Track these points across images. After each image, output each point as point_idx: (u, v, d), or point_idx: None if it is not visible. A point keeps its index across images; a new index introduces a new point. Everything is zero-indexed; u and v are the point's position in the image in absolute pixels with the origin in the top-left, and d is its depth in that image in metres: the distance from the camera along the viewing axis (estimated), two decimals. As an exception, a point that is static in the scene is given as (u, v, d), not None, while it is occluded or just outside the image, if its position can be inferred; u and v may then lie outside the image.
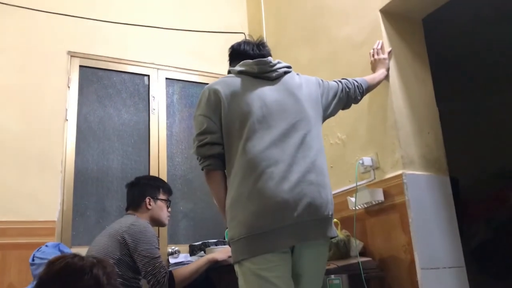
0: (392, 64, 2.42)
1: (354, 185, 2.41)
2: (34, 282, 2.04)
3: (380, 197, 2.30)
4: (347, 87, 2.08)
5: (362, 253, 2.33)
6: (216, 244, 2.77)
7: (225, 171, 1.74)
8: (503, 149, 4.50)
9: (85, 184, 2.99)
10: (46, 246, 2.30)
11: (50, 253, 2.16)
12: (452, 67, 4.19)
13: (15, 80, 2.93)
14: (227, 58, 1.99)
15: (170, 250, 3.00)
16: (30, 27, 3.06)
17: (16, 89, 2.92)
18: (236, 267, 1.66)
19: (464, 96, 4.73)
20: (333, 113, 2.02)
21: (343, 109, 2.11)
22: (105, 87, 3.25)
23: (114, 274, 1.45)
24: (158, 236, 2.81)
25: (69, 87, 3.08)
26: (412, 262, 2.13)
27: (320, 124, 1.86)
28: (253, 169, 1.62)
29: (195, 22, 3.64)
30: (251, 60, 1.83)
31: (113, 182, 3.07)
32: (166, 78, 3.46)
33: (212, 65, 3.56)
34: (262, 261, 1.58)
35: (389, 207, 2.28)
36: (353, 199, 2.38)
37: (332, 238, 1.75)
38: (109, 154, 3.12)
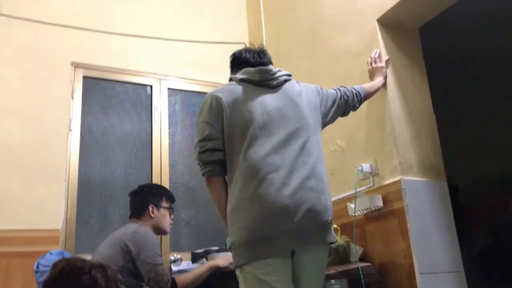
0: (389, 72, 2.46)
1: (354, 191, 2.44)
2: (39, 289, 2.08)
3: (379, 203, 2.33)
4: (346, 94, 2.12)
5: (362, 259, 2.35)
6: (218, 251, 2.80)
7: (226, 177, 1.77)
8: (503, 155, 4.52)
9: (88, 192, 3.03)
10: (51, 253, 2.33)
11: (54, 261, 2.19)
12: (450, 74, 4.24)
13: (20, 91, 2.98)
14: (228, 67, 2.02)
15: (172, 257, 3.01)
16: (34, 38, 3.12)
17: (20, 100, 2.97)
18: (237, 272, 1.68)
19: (463, 103, 4.77)
20: (332, 120, 2.05)
21: (341, 116, 2.14)
22: (108, 98, 3.30)
23: (114, 278, 1.47)
24: (161, 244, 2.84)
25: (73, 97, 3.13)
26: (411, 267, 2.15)
27: (319, 131, 1.89)
28: (254, 175, 1.65)
29: (196, 33, 3.70)
30: (252, 68, 1.86)
31: (116, 190, 3.11)
32: (168, 88, 3.51)
33: (213, 74, 3.60)
34: (262, 266, 1.60)
35: (388, 213, 2.31)
36: (352, 206, 2.41)
37: (331, 243, 1.77)
38: (112, 163, 3.16)
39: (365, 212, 2.41)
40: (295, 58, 3.23)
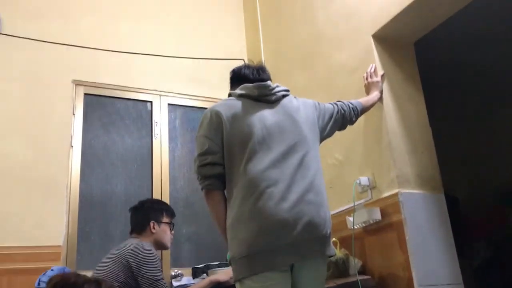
0: (385, 86, 2.50)
1: (352, 204, 2.46)
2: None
3: (377, 216, 2.35)
4: (343, 109, 2.15)
5: (361, 272, 2.37)
6: (218, 266, 2.81)
7: (225, 191, 1.79)
8: (502, 167, 4.55)
9: (89, 208, 3.05)
10: (52, 270, 2.35)
11: (55, 277, 2.21)
12: (445, 87, 4.29)
13: (22, 108, 3.02)
14: (227, 83, 2.05)
15: (173, 273, 3.02)
16: (36, 57, 3.17)
17: (23, 117, 3.00)
18: (238, 286, 1.69)
19: (460, 115, 4.81)
20: (329, 134, 2.09)
21: (339, 130, 2.17)
22: (109, 114, 3.34)
23: None
24: (161, 259, 2.85)
25: (74, 114, 3.17)
26: (410, 280, 2.16)
27: (317, 145, 1.92)
28: (254, 189, 1.67)
29: (196, 50, 3.75)
30: (251, 84, 1.90)
31: (117, 206, 3.13)
32: (168, 104, 3.55)
33: (212, 90, 3.65)
34: (262, 279, 1.62)
35: (387, 225, 2.33)
36: (351, 219, 2.44)
37: (330, 256, 1.79)
38: (113, 179, 3.19)
39: (364, 225, 2.43)
40: (292, 74, 3.28)
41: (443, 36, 3.15)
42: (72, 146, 3.09)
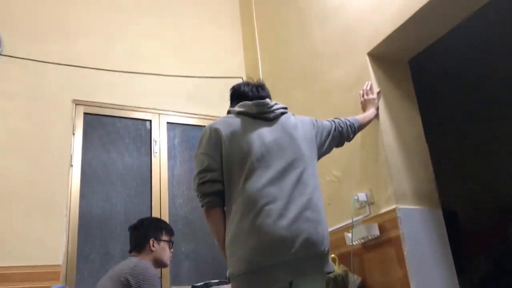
0: (381, 103, 2.54)
1: (351, 221, 2.48)
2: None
3: (375, 231, 2.36)
4: (340, 126, 2.18)
5: (361, 288, 2.38)
6: (218, 283, 2.80)
7: (225, 208, 1.81)
8: (501, 181, 4.56)
9: (89, 227, 3.05)
10: (51, 289, 2.35)
11: (55, 296, 2.21)
12: (442, 102, 4.33)
13: (22, 128, 3.05)
14: (225, 101, 2.09)
15: (173, 291, 3.02)
16: (36, 77, 3.21)
17: (23, 136, 3.03)
18: (237, 302, 1.70)
19: (456, 130, 4.84)
20: (327, 151, 2.11)
21: (336, 147, 2.19)
22: (109, 133, 3.36)
23: None
24: (161, 277, 2.85)
25: (74, 133, 3.19)
26: (409, 295, 2.17)
27: (315, 162, 1.94)
28: (252, 206, 1.69)
29: (194, 68, 3.79)
30: (250, 102, 1.93)
31: (116, 225, 3.13)
32: (167, 122, 3.58)
33: (211, 108, 3.68)
34: (261, 296, 1.63)
35: (385, 241, 2.34)
36: (350, 235, 2.45)
37: (329, 273, 1.79)
38: (113, 198, 3.20)
39: (362, 241, 2.44)
40: (290, 91, 3.32)
41: (437, 53, 3.19)
42: (72, 165, 3.11)
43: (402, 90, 2.65)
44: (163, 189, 3.35)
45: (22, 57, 3.20)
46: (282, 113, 1.96)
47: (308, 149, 1.91)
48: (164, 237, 2.51)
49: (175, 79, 3.69)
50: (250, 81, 2.08)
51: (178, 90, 3.68)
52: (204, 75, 3.80)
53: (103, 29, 3.58)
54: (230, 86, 2.09)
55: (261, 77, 3.67)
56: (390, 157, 2.42)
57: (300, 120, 2.00)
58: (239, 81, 3.59)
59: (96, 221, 3.09)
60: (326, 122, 2.14)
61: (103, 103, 3.37)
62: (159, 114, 3.56)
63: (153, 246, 2.44)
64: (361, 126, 2.36)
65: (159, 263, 2.49)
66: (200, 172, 1.81)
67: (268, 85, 2.10)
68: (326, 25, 3.03)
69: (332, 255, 2.46)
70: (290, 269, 1.66)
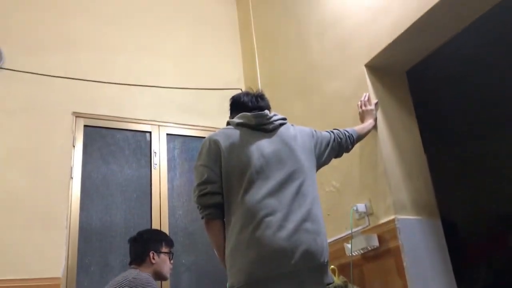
0: (379, 114, 2.55)
1: (350, 231, 2.48)
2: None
3: (375, 242, 2.36)
4: (339, 137, 2.19)
5: (361, 299, 2.37)
6: (218, 295, 2.80)
7: (224, 219, 1.81)
8: (500, 192, 4.56)
9: (89, 240, 3.05)
10: (51, 302, 2.34)
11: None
12: (440, 113, 4.35)
13: (23, 140, 3.06)
14: (225, 113, 2.10)
15: (173, 303, 3.01)
16: (36, 90, 3.23)
17: (23, 149, 3.04)
18: (237, 314, 1.70)
19: (455, 141, 4.85)
20: (326, 162, 2.12)
21: (335, 157, 2.21)
22: (109, 145, 3.37)
23: None
24: (161, 290, 2.84)
25: (74, 146, 3.21)
26: (409, 306, 2.17)
27: (314, 173, 1.95)
28: (252, 218, 1.70)
29: (193, 80, 3.82)
30: (249, 113, 1.94)
31: (116, 237, 3.13)
32: (167, 134, 3.59)
33: (211, 119, 3.70)
34: (261, 308, 1.63)
35: (384, 252, 2.34)
36: (349, 246, 2.45)
37: (328, 284, 1.78)
38: (113, 210, 3.20)
39: (362, 252, 2.44)
40: (288, 103, 3.34)
41: (435, 64, 3.22)
42: (72, 178, 3.11)
43: (400, 101, 2.67)
44: (163, 200, 3.35)
45: (22, 70, 3.22)
46: (281, 124, 1.98)
47: (307, 160, 1.92)
48: (164, 249, 2.51)
49: (175, 91, 3.71)
50: (250, 91, 2.10)
51: (178, 102, 3.70)
52: (203, 87, 3.82)
53: (103, 42, 3.61)
54: (230, 97, 2.11)
55: (259, 88, 3.69)
56: (389, 168, 2.43)
57: (299, 130, 2.02)
58: (238, 92, 3.61)
59: (96, 233, 3.09)
60: (325, 132, 2.16)
61: (103, 115, 3.39)
62: (159, 125, 3.58)
63: (153, 258, 2.44)
64: (360, 137, 2.37)
65: (159, 275, 2.49)
66: (200, 184, 1.82)
67: (267, 96, 2.11)
68: (324, 37, 3.06)
69: (332, 266, 2.46)
70: (289, 281, 1.66)
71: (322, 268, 1.74)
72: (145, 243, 2.48)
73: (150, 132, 3.54)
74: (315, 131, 2.10)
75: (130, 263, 2.48)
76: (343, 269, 2.51)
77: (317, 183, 1.93)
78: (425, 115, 3.00)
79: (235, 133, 1.89)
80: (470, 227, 4.59)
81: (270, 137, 1.90)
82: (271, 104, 2.11)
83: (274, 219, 1.70)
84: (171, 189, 3.43)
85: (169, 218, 3.32)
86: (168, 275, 2.54)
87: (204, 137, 1.96)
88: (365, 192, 2.55)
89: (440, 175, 2.71)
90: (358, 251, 2.43)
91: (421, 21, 2.31)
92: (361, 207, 2.51)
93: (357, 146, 2.38)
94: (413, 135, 2.61)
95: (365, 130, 2.44)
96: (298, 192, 1.79)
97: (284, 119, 2.01)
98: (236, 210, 1.75)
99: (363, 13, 2.70)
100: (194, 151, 3.59)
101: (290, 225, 1.70)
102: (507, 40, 3.62)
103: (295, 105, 3.27)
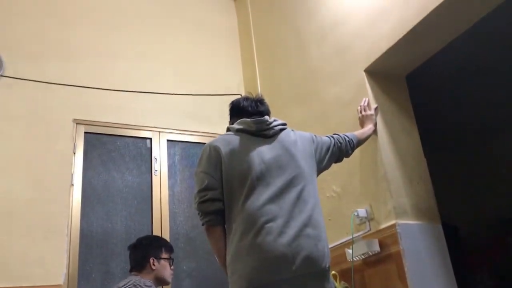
0: (379, 119, 2.56)
1: (351, 237, 2.48)
2: None
3: (376, 247, 2.36)
4: (339, 142, 2.19)
5: (363, 304, 2.37)
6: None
7: (225, 226, 1.81)
8: (502, 196, 4.56)
9: (90, 247, 3.04)
10: (52, 310, 2.33)
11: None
12: (440, 117, 4.35)
13: (24, 148, 3.06)
14: (225, 119, 2.10)
15: (174, 310, 3.00)
16: (37, 97, 3.23)
17: (24, 156, 3.04)
18: (238, 321, 1.69)
19: (458, 146, 4.85)
20: (326, 167, 2.12)
21: (335, 162, 2.20)
22: (109, 152, 3.38)
23: None
24: (162, 296, 2.83)
25: (74, 153, 3.21)
26: (411, 311, 2.16)
27: (315, 178, 1.95)
28: (253, 224, 1.70)
29: (193, 86, 3.82)
30: (249, 119, 1.93)
31: (117, 244, 3.12)
32: (168, 140, 3.59)
33: (211, 125, 3.71)
34: (262, 314, 1.63)
35: (386, 257, 2.34)
36: (350, 251, 2.44)
37: (330, 290, 1.80)
38: (113, 216, 3.20)
39: (363, 257, 2.43)
40: (288, 108, 3.34)
41: (434, 68, 3.22)
42: (72, 185, 3.11)
43: (400, 106, 2.67)
44: (163, 207, 3.35)
45: (23, 77, 3.23)
46: (281, 130, 1.98)
47: (308, 165, 1.92)
48: (164, 255, 2.51)
49: (175, 98, 3.72)
50: (250, 95, 2.09)
51: (178, 108, 3.71)
52: (203, 93, 3.83)
53: (103, 49, 3.62)
54: (232, 101, 2.10)
55: (259, 94, 3.69)
56: (389, 173, 2.43)
57: (300, 135, 2.01)
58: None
59: (97, 240, 3.08)
60: (325, 137, 2.16)
61: (104, 122, 3.39)
62: (159, 132, 3.58)
63: (154, 265, 2.44)
64: (360, 142, 2.37)
65: (160, 281, 2.49)
66: (200, 191, 1.82)
67: (266, 102, 2.11)
68: (323, 42, 3.06)
69: (333, 272, 2.45)
70: (291, 287, 1.66)
71: (323, 273, 1.74)
72: (145, 250, 2.47)
73: (150, 139, 3.54)
74: (315, 136, 2.10)
75: (131, 270, 2.47)
76: (344, 275, 2.50)
77: (318, 188, 1.92)
78: (425, 120, 3.00)
79: (235, 139, 1.89)
80: (471, 231, 4.58)
81: (270, 143, 1.90)
82: (271, 109, 2.11)
83: (275, 225, 1.69)
84: (171, 195, 3.43)
85: (170, 225, 3.31)
86: (169, 280, 2.53)
87: (204, 143, 1.96)
88: (366, 197, 2.55)
89: (441, 179, 2.70)
90: (359, 256, 2.43)
91: (420, 26, 2.32)
92: (361, 212, 2.51)
93: (357, 151, 2.38)
94: (413, 139, 2.62)
95: (365, 135, 2.44)
96: (299, 197, 1.79)
97: (284, 124, 2.01)
98: (236, 216, 1.75)
99: (362, 18, 2.71)
100: (195, 157, 3.59)
101: (291, 231, 1.70)
102: (506, 43, 3.63)
103: (295, 110, 3.27)
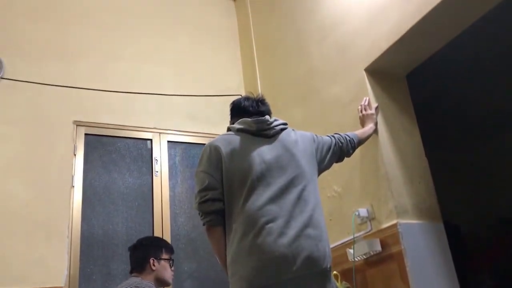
0: (380, 118, 2.55)
1: (352, 237, 2.47)
2: None
3: (377, 247, 2.35)
4: (340, 141, 2.18)
5: (364, 304, 2.36)
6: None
7: (225, 226, 1.80)
8: (503, 195, 4.55)
9: (91, 248, 3.04)
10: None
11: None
12: (441, 117, 4.34)
13: (24, 149, 3.06)
14: (226, 119, 2.10)
15: (175, 311, 3.00)
16: (37, 99, 3.23)
17: (24, 158, 3.04)
18: (239, 322, 1.69)
19: (459, 145, 4.84)
20: (327, 167, 2.11)
21: (336, 162, 2.20)
22: (110, 153, 3.37)
23: None
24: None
25: (75, 154, 3.21)
26: (413, 311, 2.15)
27: (316, 178, 1.94)
28: (253, 225, 1.69)
29: (194, 87, 3.82)
30: (249, 119, 1.93)
31: (118, 245, 3.12)
32: (168, 141, 3.59)
33: (211, 126, 3.70)
34: (263, 315, 1.62)
35: (387, 256, 2.33)
36: (351, 251, 2.44)
37: (331, 290, 1.79)
38: (114, 218, 3.19)
39: (364, 257, 2.43)
40: (289, 108, 3.34)
41: (435, 67, 3.22)
42: (73, 186, 3.11)
43: (400, 105, 2.67)
44: (164, 208, 3.34)
45: (23, 79, 3.23)
46: (282, 129, 1.97)
47: (309, 165, 1.91)
48: (165, 256, 2.50)
49: (175, 98, 3.72)
50: (251, 95, 2.09)
51: (178, 109, 3.70)
52: (204, 94, 3.83)
53: (102, 50, 3.62)
54: (233, 101, 2.10)
55: (260, 93, 3.69)
56: (390, 172, 2.42)
57: (300, 135, 2.01)
58: (239, 99, 3.61)
59: (98, 242, 3.08)
60: (326, 137, 2.15)
61: (104, 123, 3.39)
62: (160, 133, 3.58)
63: (154, 265, 2.43)
64: (361, 141, 2.37)
65: (161, 282, 2.48)
66: (200, 191, 1.81)
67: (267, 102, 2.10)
68: (323, 42, 3.06)
69: (335, 272, 2.45)
70: (291, 287, 1.64)
71: (324, 274, 1.73)
72: (145, 250, 2.47)
73: (151, 140, 3.54)
74: (316, 135, 2.09)
75: (131, 271, 2.47)
76: (345, 275, 2.50)
77: (319, 188, 1.92)
78: (426, 119, 2.99)
79: (236, 139, 1.88)
80: (473, 230, 4.57)
81: (271, 142, 1.90)
82: (271, 109, 2.11)
83: (275, 226, 1.69)
84: (172, 196, 3.43)
85: (171, 225, 3.31)
86: (170, 281, 2.52)
87: (205, 144, 1.95)
88: (367, 196, 2.54)
89: (442, 178, 2.69)
90: (360, 256, 2.42)
91: (420, 25, 2.31)
92: (363, 211, 2.50)
93: (358, 150, 2.37)
94: (414, 138, 2.61)
95: (366, 135, 2.44)
96: (299, 197, 1.78)
97: (285, 124, 2.01)
98: (237, 216, 1.75)
99: (362, 18, 2.70)
100: (195, 158, 3.59)
101: (292, 232, 1.69)
102: (506, 42, 3.62)
103: (295, 110, 3.27)
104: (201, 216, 1.82)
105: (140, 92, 3.59)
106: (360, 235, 2.49)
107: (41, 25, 3.48)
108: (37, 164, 3.06)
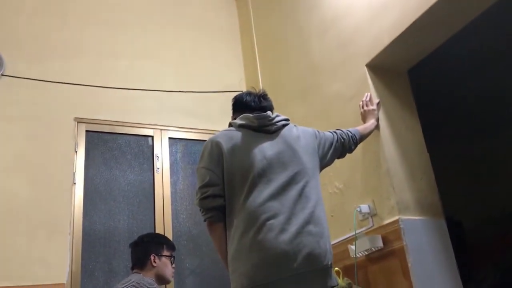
0: (381, 114, 2.54)
1: (354, 233, 2.46)
2: None
3: (379, 243, 2.35)
4: (342, 137, 2.17)
5: (366, 300, 2.35)
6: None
7: (226, 222, 1.80)
8: (505, 191, 4.53)
9: (92, 245, 3.04)
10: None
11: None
12: (443, 112, 4.32)
13: (25, 147, 3.06)
14: (227, 115, 2.10)
15: (177, 307, 3.00)
16: (38, 96, 3.23)
17: (25, 156, 3.04)
18: (240, 318, 1.68)
19: (461, 140, 4.83)
20: (329, 163, 2.10)
21: (338, 158, 2.19)
22: (111, 150, 3.37)
23: None
24: (165, 294, 2.83)
25: (76, 151, 3.20)
26: (415, 307, 2.15)
27: (317, 174, 1.93)
28: (254, 221, 1.69)
29: (195, 83, 3.81)
30: (251, 115, 1.92)
31: (120, 242, 3.12)
32: (169, 138, 3.59)
33: (212, 122, 3.69)
34: (264, 312, 1.61)
35: (389, 253, 2.33)
36: (353, 247, 2.43)
37: (332, 287, 1.76)
38: (116, 215, 3.20)
39: (366, 253, 2.42)
40: (290, 104, 3.33)
41: (436, 63, 3.20)
42: (74, 183, 3.11)
43: (402, 100, 2.65)
44: (166, 204, 3.34)
45: (23, 76, 3.23)
46: (284, 125, 1.96)
47: (310, 161, 1.90)
48: (166, 252, 2.50)
49: (177, 95, 3.71)
50: (253, 91, 2.08)
51: (179, 106, 3.70)
52: (205, 90, 3.82)
53: (103, 47, 3.61)
54: (232, 98, 2.09)
55: (262, 88, 3.69)
56: (392, 168, 2.42)
57: (302, 131, 2.00)
58: (240, 95, 3.60)
59: (100, 239, 3.08)
60: (328, 133, 2.14)
61: (105, 120, 3.39)
62: (161, 129, 3.58)
63: (155, 261, 2.43)
64: (362, 137, 2.36)
65: (161, 279, 2.48)
66: (201, 187, 1.81)
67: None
68: (324, 38, 3.05)
69: (336, 268, 2.45)
70: (292, 284, 1.64)
71: (325, 271, 1.72)
72: (146, 247, 2.47)
73: (152, 136, 3.53)
74: (318, 131, 2.08)
75: (132, 268, 2.47)
76: (347, 271, 2.49)
77: (320, 184, 1.91)
78: (427, 114, 2.98)
79: (237, 134, 1.87)
80: (475, 226, 4.55)
81: (272, 138, 1.89)
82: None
83: (276, 222, 1.68)
84: (174, 192, 3.43)
85: (172, 222, 3.31)
86: (171, 279, 2.52)
87: (206, 140, 1.94)
88: (369, 192, 2.53)
89: (444, 174, 2.68)
90: (362, 252, 2.42)
91: (422, 20, 2.30)
92: (364, 208, 2.50)
93: (359, 146, 2.36)
94: (415, 134, 2.60)
95: (368, 130, 2.43)
96: (301, 194, 1.77)
97: (287, 119, 2.00)
98: (238, 213, 1.74)
99: (363, 13, 2.69)
100: (197, 155, 3.59)
101: (293, 228, 1.68)
102: (509, 36, 3.60)
103: (297, 106, 3.26)
104: (202, 212, 1.82)
105: (141, 88, 3.59)
106: (361, 231, 2.48)
107: (42, 22, 3.48)
108: (38, 161, 3.06)
